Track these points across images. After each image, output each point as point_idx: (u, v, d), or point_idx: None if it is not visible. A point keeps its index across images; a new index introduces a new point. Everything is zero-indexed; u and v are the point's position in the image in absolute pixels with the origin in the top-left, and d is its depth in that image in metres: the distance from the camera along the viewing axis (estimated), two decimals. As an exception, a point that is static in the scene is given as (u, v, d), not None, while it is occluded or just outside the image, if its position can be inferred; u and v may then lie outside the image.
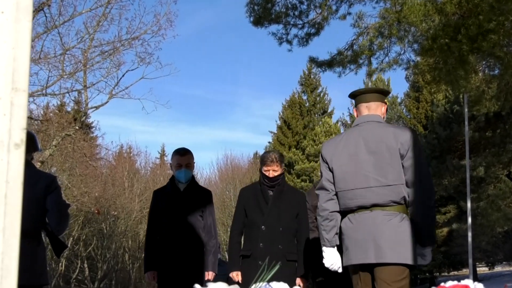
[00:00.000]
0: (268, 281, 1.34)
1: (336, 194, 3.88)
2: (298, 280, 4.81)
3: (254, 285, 1.32)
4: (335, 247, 3.93)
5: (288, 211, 4.93)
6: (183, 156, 5.24)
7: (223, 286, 1.28)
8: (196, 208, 5.21)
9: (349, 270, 3.90)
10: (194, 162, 5.35)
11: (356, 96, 4.08)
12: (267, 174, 4.91)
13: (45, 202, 4.55)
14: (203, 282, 4.87)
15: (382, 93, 4.11)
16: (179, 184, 5.25)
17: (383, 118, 4.01)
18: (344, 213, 3.90)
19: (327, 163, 3.91)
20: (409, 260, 3.64)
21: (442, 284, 1.41)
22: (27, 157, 4.67)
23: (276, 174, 4.91)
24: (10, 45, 1.26)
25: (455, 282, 1.42)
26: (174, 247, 5.10)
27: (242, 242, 5.10)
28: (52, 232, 4.66)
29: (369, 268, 3.78)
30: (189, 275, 4.98)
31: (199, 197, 5.26)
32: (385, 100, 4.04)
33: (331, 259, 3.92)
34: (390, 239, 3.68)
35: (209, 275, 5.09)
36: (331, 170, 3.90)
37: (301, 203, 5.05)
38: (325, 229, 3.87)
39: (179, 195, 5.22)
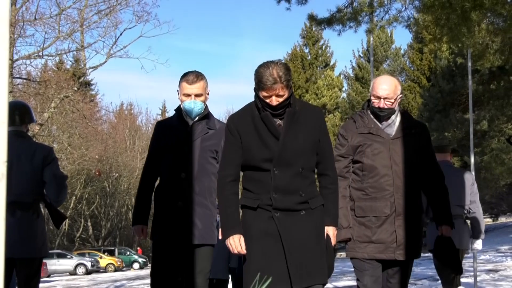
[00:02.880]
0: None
1: None
2: (326, 230, 3.48)
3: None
4: None
5: (307, 141, 3.41)
6: (192, 84, 4.10)
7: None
8: (208, 148, 4.12)
9: None
10: (208, 90, 4.23)
11: None
12: (268, 101, 3.31)
13: (42, 174, 4.53)
14: (214, 240, 4.17)
15: None
16: (187, 118, 4.18)
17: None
18: None
19: None
20: None
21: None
22: (23, 129, 4.64)
23: (281, 100, 3.31)
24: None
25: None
26: (177, 198, 4.07)
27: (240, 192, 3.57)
28: (51, 204, 4.66)
29: None
30: (196, 233, 4.07)
31: (213, 134, 4.17)
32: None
33: None
34: None
35: None
36: None
37: (322, 124, 3.53)
38: None
39: (187, 131, 4.14)
